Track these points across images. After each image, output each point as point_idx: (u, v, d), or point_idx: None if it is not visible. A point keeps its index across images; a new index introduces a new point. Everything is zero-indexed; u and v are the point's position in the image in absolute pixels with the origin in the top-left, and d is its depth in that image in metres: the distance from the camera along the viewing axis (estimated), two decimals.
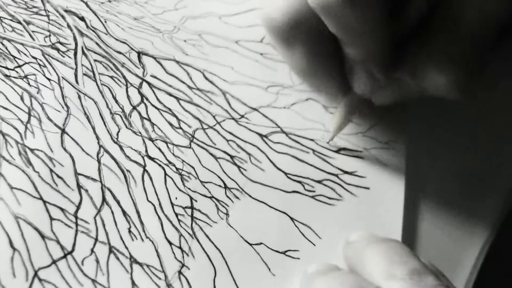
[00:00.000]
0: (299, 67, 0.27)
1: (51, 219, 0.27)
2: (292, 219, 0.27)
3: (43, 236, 0.26)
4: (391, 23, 0.24)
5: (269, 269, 0.26)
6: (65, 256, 0.26)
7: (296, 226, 0.27)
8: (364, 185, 0.27)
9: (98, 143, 0.28)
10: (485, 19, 0.24)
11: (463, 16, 0.24)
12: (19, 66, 0.30)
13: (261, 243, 0.26)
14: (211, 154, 0.28)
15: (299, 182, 0.27)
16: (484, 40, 0.25)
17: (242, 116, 0.29)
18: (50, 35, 0.31)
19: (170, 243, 0.26)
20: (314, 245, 0.26)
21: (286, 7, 0.25)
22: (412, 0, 0.24)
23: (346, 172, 0.27)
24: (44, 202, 0.27)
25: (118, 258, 0.26)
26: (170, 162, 0.28)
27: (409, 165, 0.27)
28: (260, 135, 0.28)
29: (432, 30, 0.25)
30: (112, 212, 0.27)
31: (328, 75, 0.27)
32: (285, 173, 0.27)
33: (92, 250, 0.26)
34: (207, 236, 0.27)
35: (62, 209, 0.27)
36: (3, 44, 0.30)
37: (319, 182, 0.27)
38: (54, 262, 0.26)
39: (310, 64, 0.27)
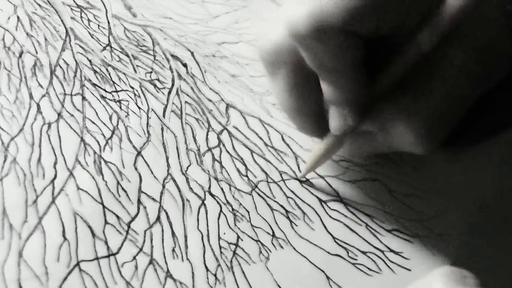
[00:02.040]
0: (280, 97, 0.43)
1: (106, 222, 0.46)
2: (328, 277, 0.42)
3: (94, 235, 0.46)
4: (366, 77, 0.40)
5: None
6: (108, 256, 0.45)
7: (330, 285, 0.44)
8: (406, 266, 0.43)
9: (168, 171, 0.49)
10: (453, 92, 0.40)
11: (433, 84, 0.40)
12: (116, 91, 0.52)
13: None
14: (268, 204, 0.47)
15: (345, 248, 0.43)
16: (454, 104, 0.40)
17: (308, 180, 0.47)
18: (151, 72, 0.54)
19: (207, 269, 0.44)
20: None
21: (274, 37, 0.42)
22: (389, 64, 0.40)
23: (392, 251, 0.43)
24: (104, 207, 0.47)
25: (155, 270, 0.45)
26: (228, 202, 0.47)
27: (457, 261, 0.45)
28: (320, 199, 0.45)
29: (403, 89, 0.40)
30: (162, 231, 0.46)
31: (305, 110, 0.43)
32: (333, 237, 0.43)
33: (134, 257, 0.45)
34: (243, 271, 0.45)
35: (118, 217, 0.47)
36: (107, 70, 0.54)
37: (363, 253, 0.43)
38: (97, 258, 0.45)
39: (289, 95, 0.43)
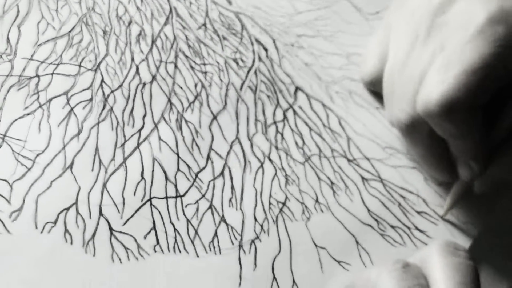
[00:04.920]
0: (416, 154, 0.53)
1: (178, 170, 0.54)
2: (357, 242, 0.51)
3: (167, 178, 0.54)
4: (485, 131, 0.48)
5: (321, 267, 0.51)
6: (176, 197, 0.53)
7: (358, 248, 0.51)
8: (428, 243, 0.53)
9: (237, 135, 0.57)
10: None
11: None
12: (204, 64, 0.61)
13: (324, 248, 0.49)
14: (317, 174, 0.55)
15: (376, 220, 0.50)
16: None
17: (355, 159, 0.56)
18: (236, 52, 0.63)
19: (256, 219, 0.51)
20: (365, 266, 0.51)
21: (408, 110, 0.50)
22: (504, 115, 0.48)
23: (418, 229, 0.50)
24: (178, 157, 0.55)
25: (213, 214, 0.52)
26: (282, 168, 0.55)
27: (474, 246, 0.51)
28: (363, 177, 0.54)
29: None
30: (224, 183, 0.53)
31: (438, 164, 0.52)
32: (368, 210, 0.50)
33: (197, 201, 0.53)
34: (285, 226, 0.51)
35: (189, 167, 0.55)
36: (199, 46, 0.63)
37: (392, 227, 0.50)
38: (167, 197, 0.53)
39: (424, 154, 0.52)
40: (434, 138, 0.50)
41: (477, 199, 0.51)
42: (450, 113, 0.46)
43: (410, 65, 0.50)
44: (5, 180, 0.50)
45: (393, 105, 0.51)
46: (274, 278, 0.49)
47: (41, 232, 0.48)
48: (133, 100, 0.56)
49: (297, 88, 0.57)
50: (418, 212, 0.51)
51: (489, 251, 0.49)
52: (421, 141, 0.52)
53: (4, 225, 0.48)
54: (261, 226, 0.50)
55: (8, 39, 0.56)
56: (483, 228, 0.51)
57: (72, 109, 0.54)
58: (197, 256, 0.49)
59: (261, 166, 0.52)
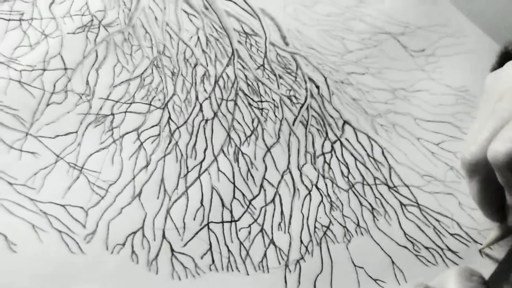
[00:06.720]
0: (473, 194, 0.57)
1: (234, 197, 0.61)
2: (393, 262, 0.56)
3: (223, 205, 0.60)
4: None
5: (359, 285, 0.57)
6: (231, 222, 0.60)
7: (393, 267, 0.57)
8: (459, 264, 0.57)
9: (288, 165, 0.63)
10: None
11: None
12: (261, 101, 0.68)
13: (362, 267, 0.55)
14: (359, 200, 0.61)
15: (412, 242, 0.56)
16: None
17: (395, 187, 0.62)
18: (291, 90, 0.70)
19: (301, 242, 0.57)
20: (399, 284, 0.57)
21: (474, 151, 0.55)
22: None
23: (450, 250, 0.56)
24: (235, 186, 0.61)
25: (263, 237, 0.59)
26: (328, 195, 0.62)
27: (496, 272, 0.56)
28: (401, 203, 0.60)
29: None
30: (274, 209, 0.60)
31: (491, 204, 0.57)
32: (405, 233, 0.56)
33: (249, 225, 0.59)
34: (327, 247, 0.57)
35: (243, 195, 0.61)
36: (257, 84, 0.70)
37: (426, 248, 0.56)
38: (222, 222, 0.60)
39: (480, 194, 0.57)
40: (491, 183, 0.56)
41: None
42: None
43: (489, 122, 0.56)
44: (81, 207, 0.56)
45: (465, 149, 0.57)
46: None
47: (111, 253, 0.54)
48: (196, 135, 0.62)
49: (345, 122, 0.63)
50: (451, 234, 0.57)
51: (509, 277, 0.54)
52: (479, 183, 0.57)
53: (79, 247, 0.54)
54: (306, 247, 0.56)
55: (87, 81, 0.63)
56: (507, 254, 0.55)
57: (141, 143, 0.61)
58: (247, 274, 0.55)
59: (309, 193, 0.59)
